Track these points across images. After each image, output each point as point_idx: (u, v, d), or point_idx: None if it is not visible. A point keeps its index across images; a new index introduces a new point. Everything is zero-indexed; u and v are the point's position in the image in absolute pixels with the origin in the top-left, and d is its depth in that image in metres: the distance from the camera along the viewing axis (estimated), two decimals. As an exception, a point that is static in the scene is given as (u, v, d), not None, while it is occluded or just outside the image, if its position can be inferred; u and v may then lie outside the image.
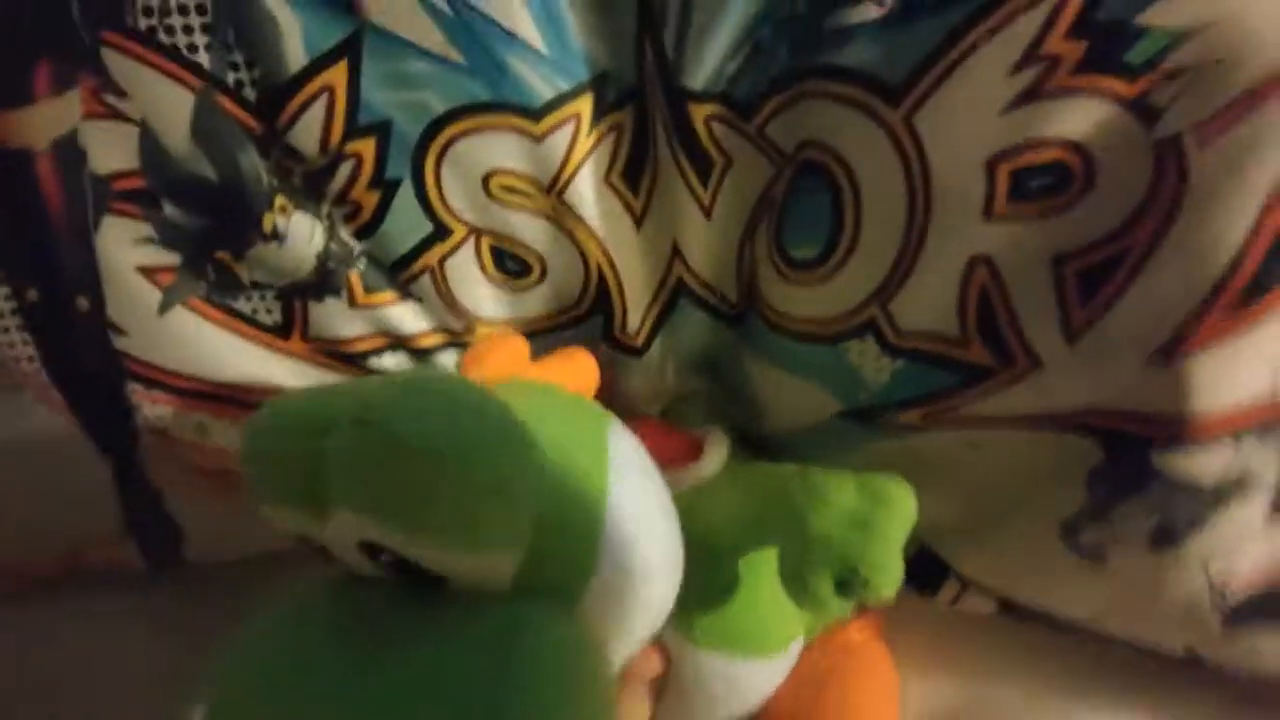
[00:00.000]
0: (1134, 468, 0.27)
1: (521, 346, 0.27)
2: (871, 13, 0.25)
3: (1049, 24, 0.23)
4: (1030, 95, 0.24)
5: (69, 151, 0.28)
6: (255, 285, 0.30)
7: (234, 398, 0.31)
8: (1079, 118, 0.24)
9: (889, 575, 0.24)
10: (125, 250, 0.29)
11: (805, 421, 0.32)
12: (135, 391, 0.31)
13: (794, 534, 0.25)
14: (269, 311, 0.31)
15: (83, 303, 0.29)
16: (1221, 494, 0.26)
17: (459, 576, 0.19)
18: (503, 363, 0.26)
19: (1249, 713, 0.30)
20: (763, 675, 0.29)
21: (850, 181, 0.27)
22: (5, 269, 0.29)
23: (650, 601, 0.22)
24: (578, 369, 0.28)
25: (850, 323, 0.29)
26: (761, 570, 0.27)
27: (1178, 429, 0.26)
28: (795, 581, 0.25)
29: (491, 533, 0.19)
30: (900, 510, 0.25)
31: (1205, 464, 0.26)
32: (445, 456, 0.17)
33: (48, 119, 0.27)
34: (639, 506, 0.22)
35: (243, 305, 0.30)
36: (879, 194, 0.26)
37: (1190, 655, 0.30)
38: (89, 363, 0.30)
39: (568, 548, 0.21)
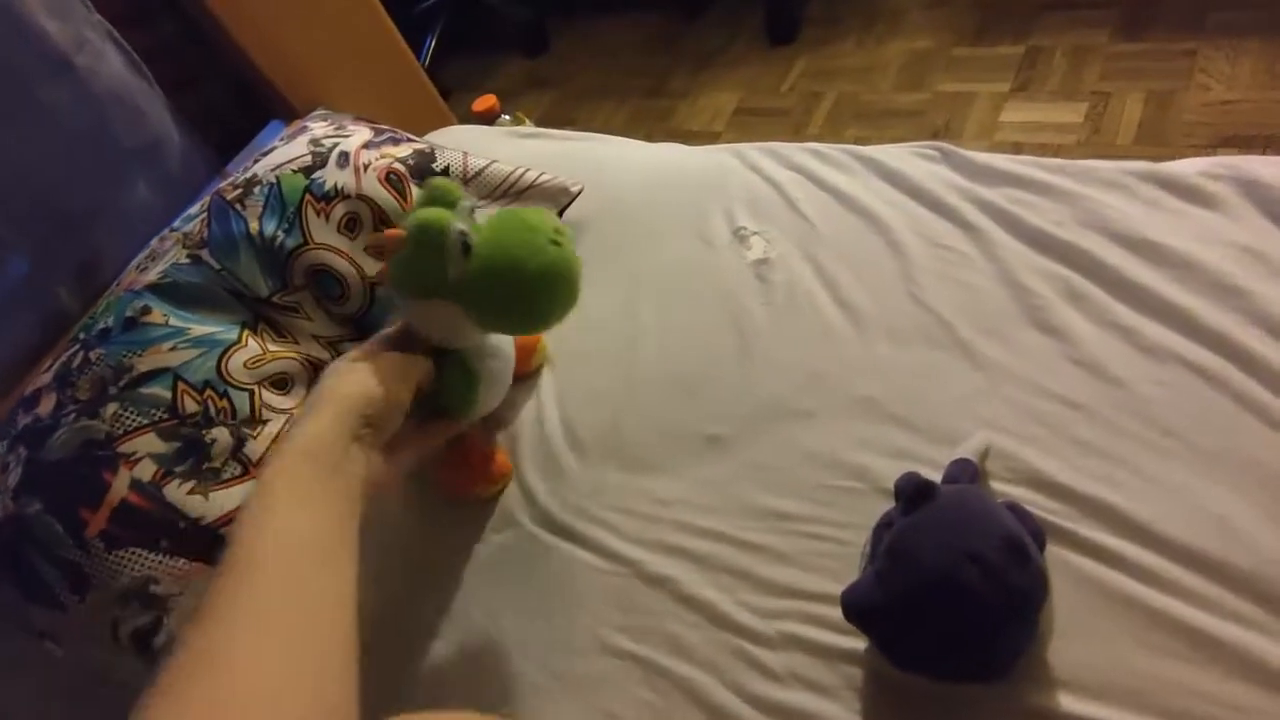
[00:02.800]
0: None
1: None
2: (281, 237, 0.82)
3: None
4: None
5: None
6: (225, 464, 0.74)
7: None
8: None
9: None
10: (190, 499, 0.72)
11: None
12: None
13: None
14: (234, 469, 0.75)
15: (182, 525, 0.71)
16: None
17: None
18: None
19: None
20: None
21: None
22: (169, 549, 0.70)
23: None
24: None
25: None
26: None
27: None
28: None
29: None
30: None
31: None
32: None
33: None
34: None
35: (228, 475, 0.74)
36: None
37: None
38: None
39: None
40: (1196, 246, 0.67)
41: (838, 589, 0.55)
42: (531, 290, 0.59)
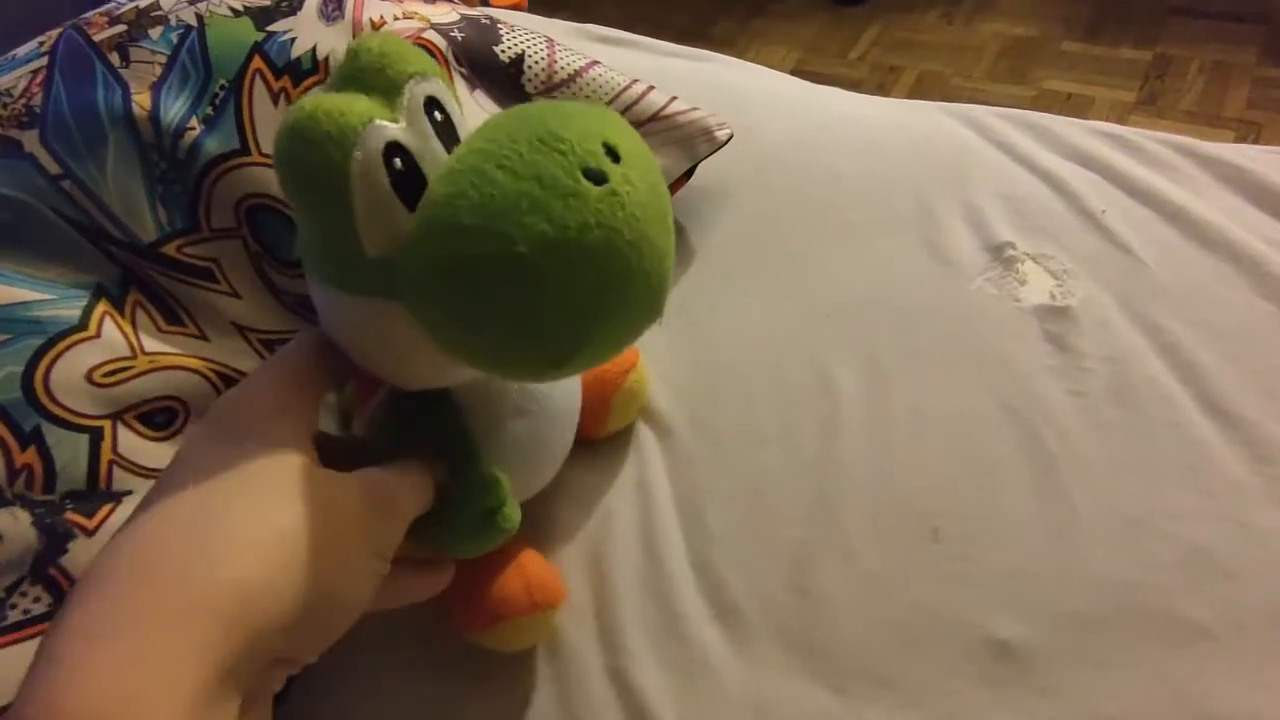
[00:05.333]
0: None
1: None
2: (197, 130, 0.42)
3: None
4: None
5: None
6: (14, 593, 0.35)
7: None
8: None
9: None
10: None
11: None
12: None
13: None
14: (37, 600, 0.36)
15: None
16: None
17: None
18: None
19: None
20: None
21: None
22: None
23: None
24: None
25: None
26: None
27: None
28: None
29: None
30: None
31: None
32: None
33: None
34: None
35: (18, 615, 0.35)
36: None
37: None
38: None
39: None
40: None
41: None
42: (533, 286, 0.25)
